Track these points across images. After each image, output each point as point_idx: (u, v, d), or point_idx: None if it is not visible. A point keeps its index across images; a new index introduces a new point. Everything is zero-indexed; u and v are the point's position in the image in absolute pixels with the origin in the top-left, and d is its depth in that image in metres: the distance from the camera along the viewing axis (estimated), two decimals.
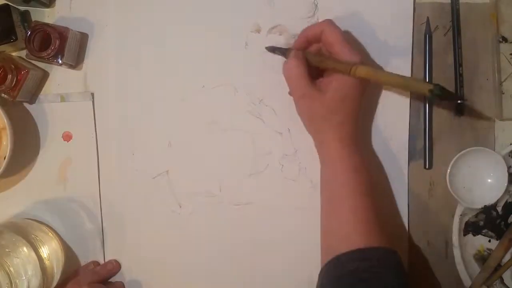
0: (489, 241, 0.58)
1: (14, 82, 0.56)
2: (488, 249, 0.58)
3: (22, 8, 0.60)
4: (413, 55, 0.58)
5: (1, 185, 0.60)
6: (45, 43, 0.56)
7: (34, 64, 0.60)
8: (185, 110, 0.59)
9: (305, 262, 0.56)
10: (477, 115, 0.58)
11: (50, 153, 0.60)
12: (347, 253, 0.47)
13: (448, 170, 0.56)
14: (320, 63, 0.52)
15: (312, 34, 0.53)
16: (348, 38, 0.56)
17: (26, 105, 0.60)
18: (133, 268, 0.60)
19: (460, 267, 0.57)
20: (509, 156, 0.57)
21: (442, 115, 0.58)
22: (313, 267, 0.52)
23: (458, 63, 0.58)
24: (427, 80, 0.57)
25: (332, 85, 0.51)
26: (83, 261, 0.60)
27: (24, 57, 0.59)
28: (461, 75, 0.58)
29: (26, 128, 0.60)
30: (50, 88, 0.60)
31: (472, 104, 0.58)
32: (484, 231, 0.57)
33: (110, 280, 0.60)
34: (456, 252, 0.57)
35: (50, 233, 0.59)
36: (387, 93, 0.58)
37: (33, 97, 0.60)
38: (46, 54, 0.56)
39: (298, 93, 0.53)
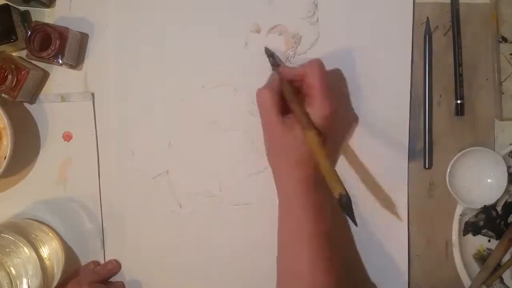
0: (489, 241, 0.58)
1: (14, 82, 0.56)
2: (488, 249, 0.58)
3: (22, 8, 0.60)
4: (413, 55, 0.58)
5: (1, 185, 0.60)
6: (45, 43, 0.56)
7: (34, 64, 0.60)
8: (185, 110, 0.59)
9: None
10: (477, 115, 0.58)
11: (50, 153, 0.60)
12: None
13: (448, 170, 0.56)
14: (290, 103, 0.51)
15: (295, 75, 0.52)
16: (334, 85, 0.54)
17: (26, 105, 0.60)
18: (133, 268, 0.60)
19: (460, 267, 0.57)
20: (509, 156, 0.57)
21: (442, 115, 0.58)
22: None
23: (458, 63, 0.58)
24: (427, 81, 0.57)
25: (297, 126, 0.50)
26: (83, 261, 0.60)
27: (24, 57, 0.59)
28: (461, 75, 0.58)
29: (26, 128, 0.60)
30: (50, 88, 0.61)
31: (472, 104, 0.58)
32: (484, 231, 0.57)
33: (110, 280, 0.60)
34: (456, 252, 0.57)
35: (50, 233, 0.59)
36: (388, 93, 0.58)
37: (33, 97, 0.60)
38: (46, 54, 0.56)
39: (264, 121, 0.52)
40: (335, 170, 0.47)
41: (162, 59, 0.60)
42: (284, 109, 0.51)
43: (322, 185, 0.48)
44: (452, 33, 0.58)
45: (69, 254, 0.59)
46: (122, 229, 0.60)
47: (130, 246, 0.60)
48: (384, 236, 0.58)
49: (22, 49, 0.60)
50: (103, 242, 0.60)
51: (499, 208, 0.57)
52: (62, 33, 0.56)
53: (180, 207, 0.59)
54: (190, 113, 0.59)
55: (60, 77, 0.60)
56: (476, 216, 0.57)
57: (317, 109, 0.49)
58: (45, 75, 0.60)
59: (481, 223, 0.57)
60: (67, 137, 0.60)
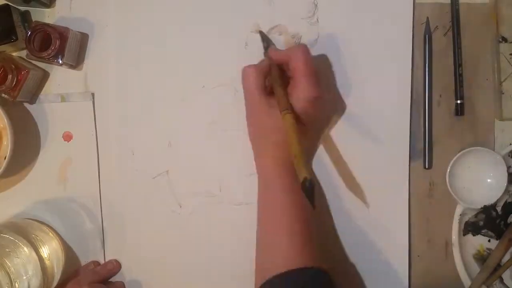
0: (489, 241, 0.58)
1: (14, 82, 0.56)
2: (488, 249, 0.58)
3: (22, 8, 0.60)
4: (413, 55, 0.58)
5: (1, 185, 0.60)
6: (46, 43, 0.56)
7: (34, 64, 0.60)
8: (185, 110, 0.59)
9: None
10: (477, 115, 0.58)
11: (50, 153, 0.60)
12: (280, 275, 0.47)
13: (448, 170, 0.56)
14: (273, 83, 0.52)
15: (282, 58, 0.53)
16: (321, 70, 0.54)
17: (26, 105, 0.60)
18: (133, 268, 0.60)
19: (459, 267, 0.57)
20: (509, 156, 0.57)
21: (442, 115, 0.58)
22: None
23: (458, 63, 0.58)
24: (427, 81, 0.57)
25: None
26: (83, 261, 0.60)
27: (25, 57, 0.59)
28: (461, 75, 0.58)
29: (26, 128, 0.60)
30: (51, 88, 0.61)
31: (472, 104, 0.58)
32: (483, 231, 0.57)
33: (110, 280, 0.60)
34: (456, 252, 0.57)
35: (50, 233, 0.59)
36: (388, 93, 0.58)
37: (33, 97, 0.60)
38: (46, 54, 0.56)
39: (248, 100, 0.53)
40: (305, 155, 0.46)
41: (162, 59, 0.60)
42: (270, 92, 0.52)
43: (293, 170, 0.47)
44: (452, 33, 0.58)
45: (69, 254, 0.59)
46: (122, 229, 0.60)
47: (130, 246, 0.60)
48: (384, 236, 0.58)
49: (22, 49, 0.60)
50: (103, 242, 0.60)
51: (499, 208, 0.57)
52: (62, 33, 0.56)
53: (180, 207, 0.59)
54: (190, 113, 0.59)
55: (60, 77, 0.60)
56: (476, 216, 0.57)
57: (300, 92, 0.50)
58: (45, 75, 0.60)
59: (481, 223, 0.57)
60: (67, 137, 0.60)
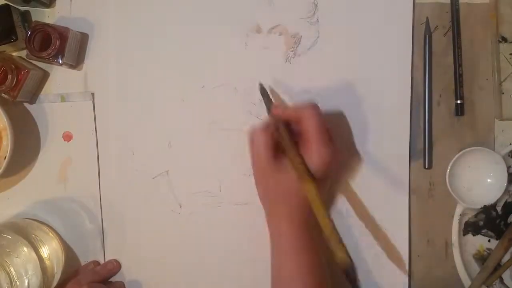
0: (489, 241, 0.58)
1: (14, 82, 0.56)
2: (487, 249, 0.58)
3: (22, 8, 0.60)
4: (413, 55, 0.58)
5: (1, 185, 0.60)
6: (46, 43, 0.56)
7: (34, 64, 0.60)
8: (185, 110, 0.59)
9: None
10: (477, 115, 0.58)
11: (50, 153, 0.60)
12: None
13: (448, 170, 0.56)
14: (285, 146, 0.49)
15: (291, 117, 0.51)
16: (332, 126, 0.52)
17: (26, 105, 0.60)
18: (133, 268, 0.60)
19: (459, 267, 0.57)
20: (509, 156, 0.57)
21: (442, 115, 0.58)
22: None
23: (458, 63, 0.58)
24: (426, 81, 0.57)
25: (290, 168, 0.48)
26: (83, 261, 0.60)
27: (25, 57, 0.59)
28: (461, 75, 0.58)
29: (26, 128, 0.60)
30: (51, 88, 0.61)
31: (472, 104, 0.58)
32: (483, 231, 0.57)
33: (110, 280, 0.60)
34: (456, 252, 0.57)
35: (50, 233, 0.59)
36: (388, 93, 0.58)
37: (33, 97, 0.60)
38: (46, 54, 0.56)
39: (256, 165, 0.52)
40: (336, 231, 0.44)
41: (162, 59, 0.60)
42: (277, 148, 0.50)
43: (317, 226, 0.46)
44: (452, 33, 0.58)
45: (69, 254, 0.59)
46: (122, 229, 0.60)
47: (130, 246, 0.60)
48: (384, 236, 0.58)
49: (22, 49, 0.60)
50: (103, 242, 0.60)
51: (499, 208, 0.57)
52: (62, 33, 0.56)
53: (180, 207, 0.59)
54: (190, 113, 0.59)
55: (60, 77, 0.60)
56: (476, 216, 0.57)
57: (314, 156, 0.48)
58: (45, 75, 0.60)
59: (481, 223, 0.57)
60: (67, 137, 0.60)
